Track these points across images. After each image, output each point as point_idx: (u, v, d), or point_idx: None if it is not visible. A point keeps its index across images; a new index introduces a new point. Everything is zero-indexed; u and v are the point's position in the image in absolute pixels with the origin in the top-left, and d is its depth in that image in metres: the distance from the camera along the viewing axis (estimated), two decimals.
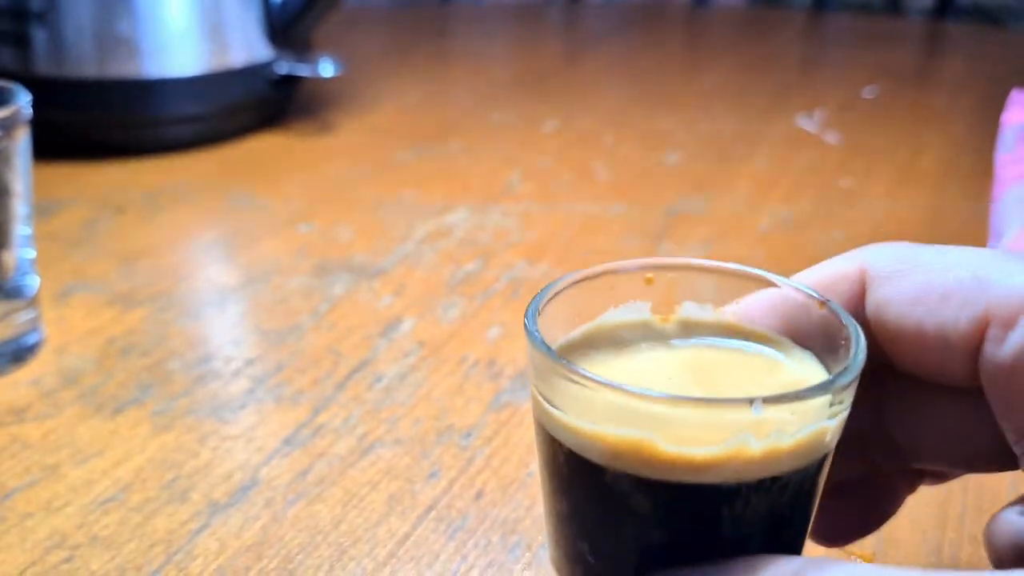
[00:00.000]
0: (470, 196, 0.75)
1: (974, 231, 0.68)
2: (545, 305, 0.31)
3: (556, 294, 0.32)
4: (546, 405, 0.29)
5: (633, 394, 0.26)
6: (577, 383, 0.28)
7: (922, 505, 0.42)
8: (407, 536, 0.40)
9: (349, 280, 0.61)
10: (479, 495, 0.43)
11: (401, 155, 0.84)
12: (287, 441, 0.46)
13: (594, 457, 0.28)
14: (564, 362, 0.28)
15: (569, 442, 0.29)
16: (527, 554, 0.39)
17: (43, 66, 0.80)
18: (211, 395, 0.50)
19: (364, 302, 0.59)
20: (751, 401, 0.26)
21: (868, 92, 1.04)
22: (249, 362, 0.53)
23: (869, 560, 0.39)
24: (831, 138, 0.89)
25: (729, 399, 0.27)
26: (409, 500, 0.42)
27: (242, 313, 0.58)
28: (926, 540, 0.40)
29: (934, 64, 1.26)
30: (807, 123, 0.93)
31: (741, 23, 1.47)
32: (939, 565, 0.39)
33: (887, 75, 1.11)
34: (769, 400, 0.26)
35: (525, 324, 0.30)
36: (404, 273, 0.63)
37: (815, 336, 0.32)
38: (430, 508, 0.42)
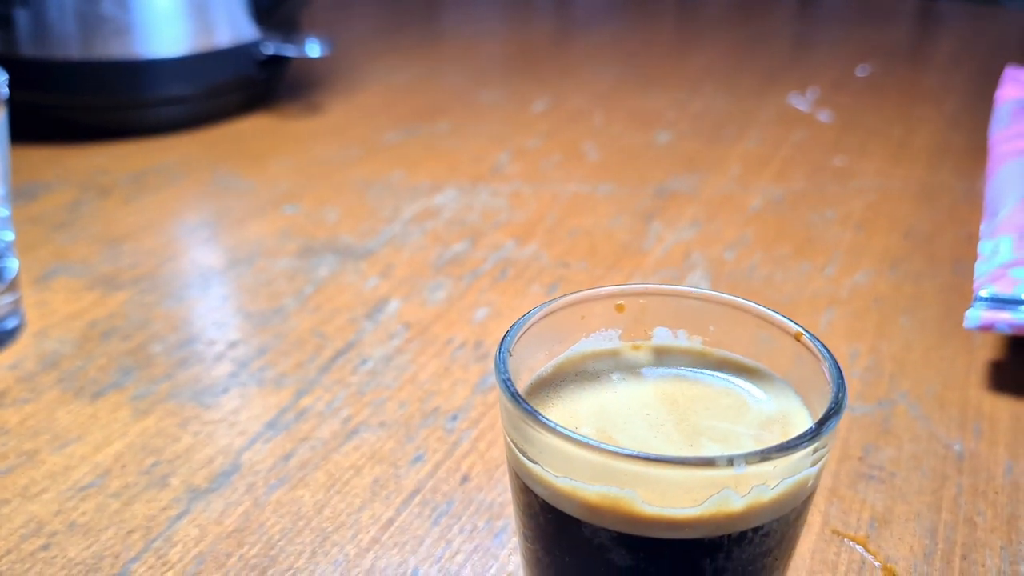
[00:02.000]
0: (458, 176, 0.74)
1: (967, 209, 0.68)
2: (515, 344, 0.30)
3: (525, 331, 0.31)
4: (520, 456, 0.28)
5: (612, 453, 0.25)
6: (551, 438, 0.26)
7: (916, 486, 0.41)
8: (391, 521, 0.40)
9: (335, 261, 0.61)
10: (465, 479, 0.42)
11: (389, 136, 0.83)
12: (270, 425, 0.45)
13: (571, 511, 0.27)
14: (540, 416, 0.26)
15: (544, 494, 0.27)
16: (513, 539, 0.39)
17: (26, 47, 0.79)
18: (193, 379, 0.49)
19: (350, 284, 0.58)
20: (732, 460, 0.25)
21: (861, 70, 1.03)
22: (232, 345, 0.52)
23: (863, 543, 0.38)
24: (823, 117, 0.88)
25: (709, 458, 0.25)
26: (393, 485, 0.42)
27: (226, 296, 0.58)
28: (920, 522, 0.40)
29: (927, 42, 1.25)
30: (799, 102, 0.92)
31: (733, 2, 1.45)
32: (934, 547, 0.38)
33: (880, 53, 1.10)
34: (751, 458, 0.25)
35: (496, 370, 0.28)
36: (391, 254, 0.62)
37: (791, 365, 0.31)
38: (415, 493, 0.41)
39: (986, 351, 0.51)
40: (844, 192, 0.72)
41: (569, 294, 0.32)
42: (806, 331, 0.30)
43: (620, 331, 0.33)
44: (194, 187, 0.73)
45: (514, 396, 0.27)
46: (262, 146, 0.81)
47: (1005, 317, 0.47)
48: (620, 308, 0.33)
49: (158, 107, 0.82)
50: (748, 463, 0.25)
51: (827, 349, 0.29)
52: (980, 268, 0.51)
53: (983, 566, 0.37)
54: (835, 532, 0.39)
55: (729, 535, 0.26)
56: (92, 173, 0.74)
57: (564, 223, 0.66)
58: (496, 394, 0.47)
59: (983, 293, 0.48)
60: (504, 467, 0.43)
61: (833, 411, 0.27)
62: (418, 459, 0.43)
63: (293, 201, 0.70)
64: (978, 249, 0.54)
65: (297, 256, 0.61)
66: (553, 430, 0.26)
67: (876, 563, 0.37)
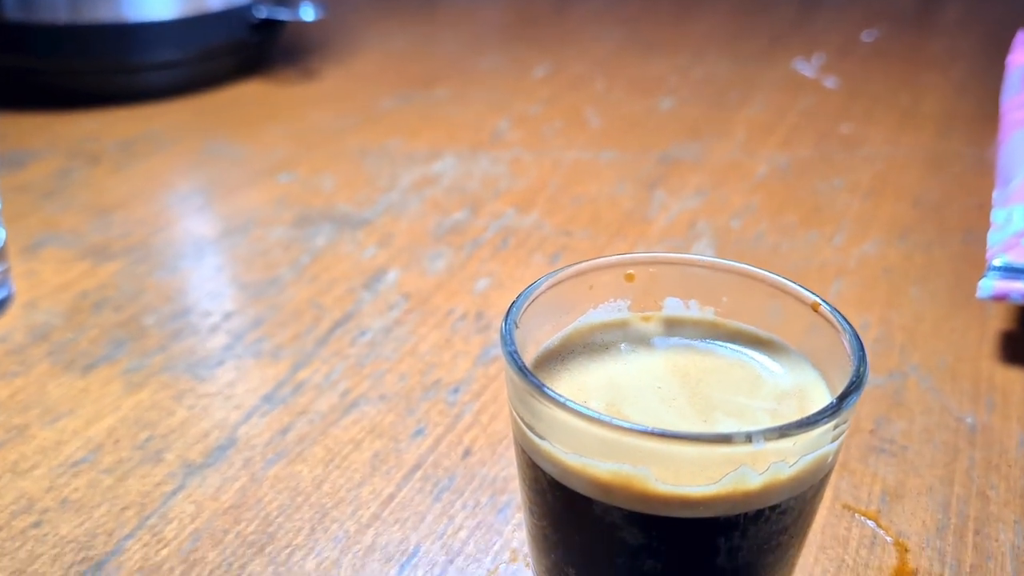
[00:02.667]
0: (457, 144, 0.72)
1: (977, 176, 0.66)
2: (522, 316, 0.28)
3: (532, 301, 0.29)
4: (527, 431, 0.27)
5: (625, 429, 0.24)
6: (561, 413, 0.25)
7: (928, 460, 0.40)
8: (392, 497, 0.39)
9: (332, 231, 0.59)
10: (467, 453, 0.41)
11: (386, 102, 0.81)
12: (266, 399, 0.44)
13: (581, 489, 0.26)
14: (549, 390, 0.25)
15: (552, 472, 0.26)
16: (517, 515, 0.38)
17: (13, 10, 0.77)
18: (187, 351, 0.48)
19: (347, 254, 0.57)
20: (750, 436, 0.23)
21: (867, 36, 1.01)
22: (227, 316, 0.50)
23: (874, 518, 0.38)
24: (829, 83, 0.86)
25: (727, 434, 0.24)
26: (394, 459, 0.41)
27: (220, 266, 0.56)
28: (932, 496, 0.39)
29: (934, 6, 1.23)
30: (805, 68, 0.90)
31: None
32: (947, 522, 0.37)
33: (886, 18, 1.08)
34: (770, 434, 0.24)
35: (502, 342, 0.27)
36: (389, 223, 0.60)
37: (807, 337, 0.30)
38: (416, 467, 0.40)
39: (998, 322, 0.50)
40: (851, 160, 0.70)
41: (576, 263, 0.31)
42: (824, 301, 0.29)
43: (629, 301, 0.32)
44: (186, 155, 0.71)
45: (521, 369, 0.26)
46: (256, 113, 0.79)
47: (1019, 287, 0.46)
48: (630, 277, 0.31)
49: (148, 72, 0.81)
50: (767, 439, 0.23)
51: (846, 320, 0.28)
52: (993, 237, 0.50)
53: (996, 540, 0.36)
54: (846, 507, 0.38)
55: (745, 513, 0.25)
56: (81, 140, 0.72)
57: (566, 191, 0.65)
58: (499, 366, 0.46)
59: (996, 262, 0.47)
60: (508, 441, 0.42)
61: (855, 385, 0.26)
62: (419, 433, 0.42)
63: (288, 169, 0.68)
64: (991, 218, 0.52)
65: (293, 225, 0.60)
66: (563, 405, 0.25)
67: (888, 538, 0.37)
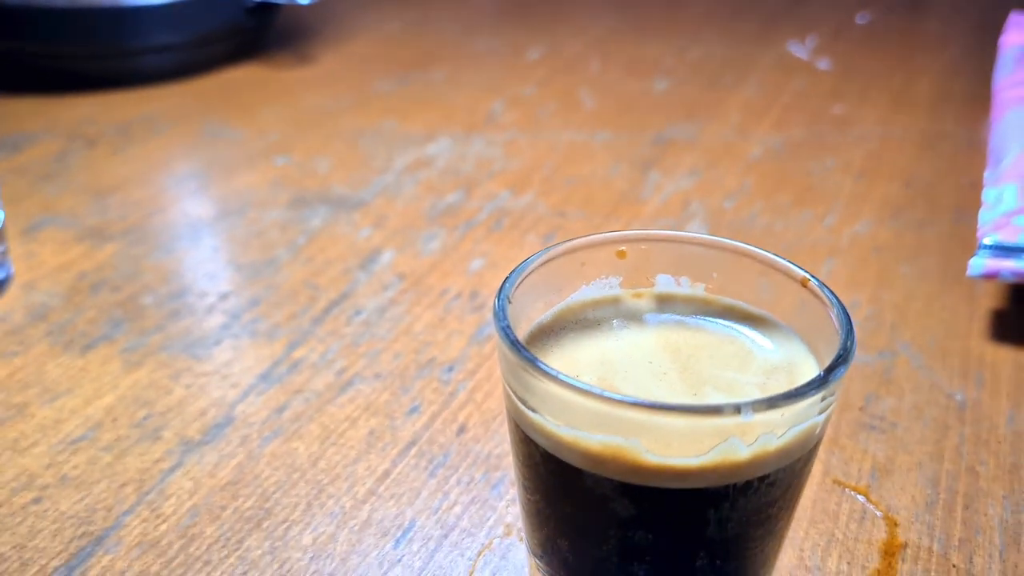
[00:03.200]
0: (452, 126, 0.73)
1: (969, 157, 0.67)
2: (515, 292, 0.29)
3: (524, 278, 0.30)
4: (520, 405, 0.27)
5: (616, 401, 0.24)
6: (553, 386, 0.25)
7: (918, 436, 0.41)
8: (387, 473, 0.39)
9: (327, 212, 0.60)
10: (461, 430, 0.41)
11: (381, 85, 0.82)
12: (263, 377, 0.45)
13: (573, 461, 0.26)
14: (541, 364, 0.25)
15: (545, 444, 0.27)
16: (511, 490, 0.38)
17: None
18: (184, 331, 0.48)
19: (342, 235, 0.57)
20: (739, 407, 0.24)
21: (861, 18, 1.01)
22: (224, 297, 0.51)
23: (864, 493, 0.38)
24: (823, 65, 0.87)
25: (717, 406, 0.24)
26: (389, 436, 0.41)
27: (217, 247, 0.57)
28: (922, 471, 0.39)
29: None
30: (798, 50, 0.91)
31: None
32: (936, 497, 0.38)
33: (880, 1, 1.08)
34: (759, 405, 0.24)
35: (495, 317, 0.27)
36: (384, 205, 0.61)
37: (797, 313, 0.30)
38: (411, 444, 0.41)
39: (988, 300, 0.50)
40: (844, 141, 0.70)
41: (568, 240, 0.31)
42: (813, 277, 0.29)
43: (621, 278, 0.32)
44: (182, 138, 0.72)
45: (514, 344, 0.26)
46: (252, 96, 0.79)
47: (1009, 265, 0.47)
48: (621, 254, 0.32)
49: (145, 56, 0.81)
50: (755, 411, 0.24)
51: (835, 295, 0.28)
52: (984, 216, 0.50)
53: (985, 515, 0.37)
54: (836, 482, 0.39)
55: (735, 484, 0.25)
56: (78, 123, 0.73)
57: (560, 172, 0.65)
58: (493, 345, 0.47)
59: (987, 241, 0.48)
60: (501, 418, 0.42)
61: (842, 358, 0.26)
62: (414, 410, 0.43)
63: (284, 151, 0.68)
64: (982, 197, 0.53)
65: (289, 207, 0.60)
66: (554, 378, 0.25)
67: (878, 513, 0.37)
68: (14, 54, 0.80)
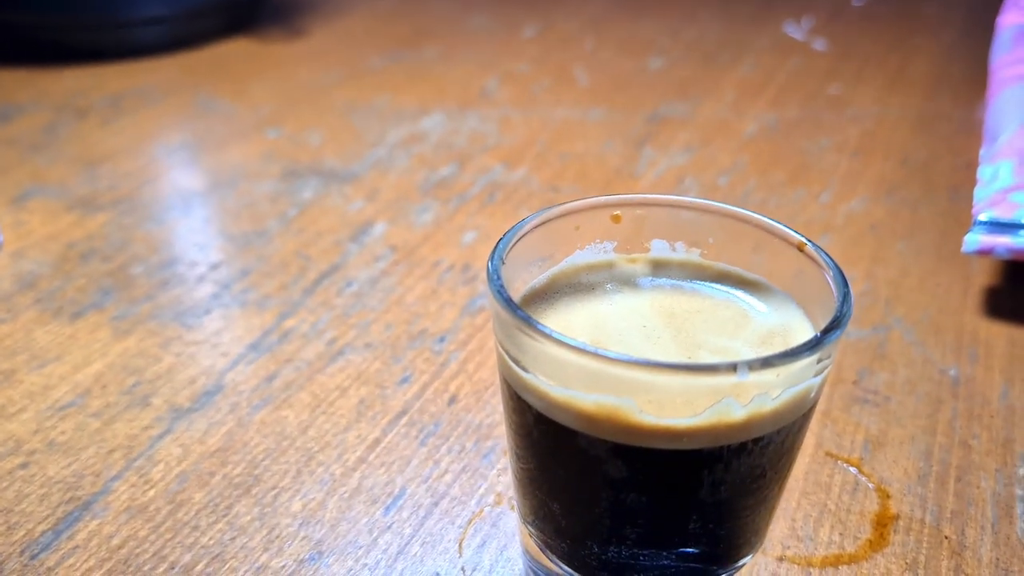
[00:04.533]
0: (446, 101, 0.72)
1: (965, 137, 0.66)
2: (508, 252, 0.28)
3: (519, 239, 0.29)
4: (513, 366, 0.27)
5: (610, 360, 0.24)
6: (547, 345, 0.25)
7: (911, 410, 0.41)
8: (377, 441, 0.39)
9: (319, 184, 0.59)
10: (452, 400, 0.41)
11: (375, 60, 0.81)
12: (253, 347, 0.44)
13: (566, 422, 0.26)
14: (534, 322, 0.25)
15: (538, 406, 0.26)
16: (502, 459, 0.38)
17: None
18: (174, 300, 0.48)
19: (334, 207, 0.57)
20: (735, 366, 0.23)
21: (857, 0, 1.00)
22: (214, 267, 0.50)
23: (856, 466, 0.38)
24: (819, 45, 0.86)
25: (712, 364, 0.24)
26: (380, 405, 0.41)
27: (207, 218, 0.56)
28: (915, 444, 0.39)
29: None
30: (794, 30, 0.90)
31: None
32: (928, 470, 0.38)
33: None
34: (755, 364, 0.24)
35: (488, 279, 0.27)
36: (376, 178, 0.60)
37: (793, 278, 0.30)
38: (402, 413, 0.40)
39: (982, 277, 0.50)
40: (840, 120, 0.70)
41: (563, 203, 0.31)
42: (809, 241, 0.29)
43: (616, 243, 0.32)
44: (174, 110, 0.71)
45: (508, 303, 0.26)
46: (244, 70, 0.79)
47: (1004, 241, 0.46)
48: (616, 219, 0.31)
49: (137, 28, 0.80)
50: (751, 370, 0.24)
51: (831, 258, 0.28)
52: (979, 193, 0.50)
53: (978, 487, 0.37)
54: (829, 454, 0.38)
55: (728, 446, 0.25)
56: (68, 95, 0.72)
57: (554, 148, 0.65)
58: (485, 316, 0.46)
59: (982, 217, 0.48)
60: (493, 389, 0.42)
61: (838, 320, 0.26)
62: (405, 380, 0.42)
63: (276, 125, 0.68)
64: (977, 174, 0.53)
65: (280, 179, 0.60)
66: (549, 336, 0.25)
67: (870, 485, 0.37)
68: (4, 25, 0.79)
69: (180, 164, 0.63)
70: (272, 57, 0.82)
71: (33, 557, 0.33)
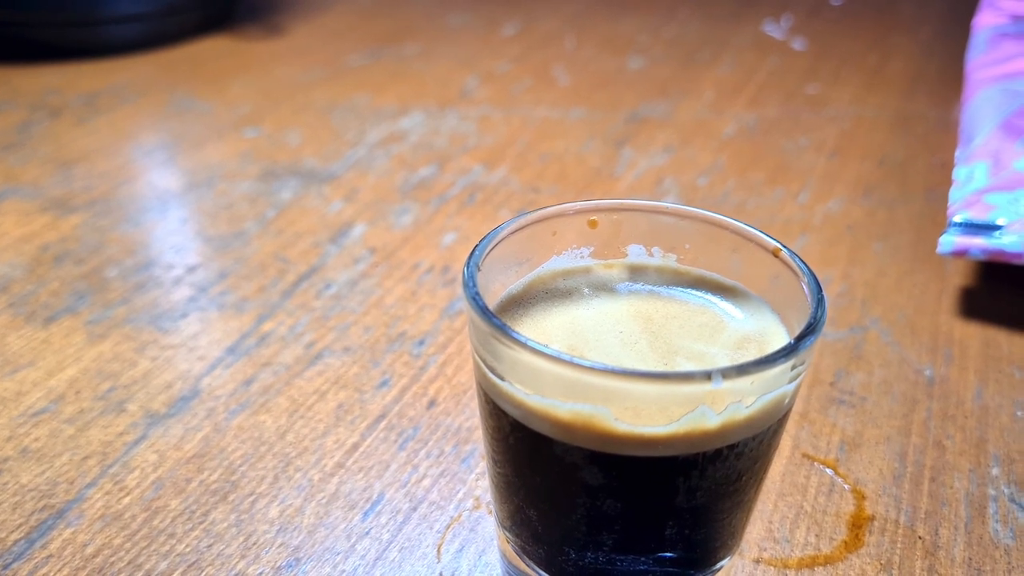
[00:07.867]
0: (425, 100, 0.72)
1: (942, 137, 0.67)
2: (484, 259, 0.28)
3: (495, 245, 0.29)
4: (489, 373, 0.27)
5: (585, 368, 0.24)
6: (522, 353, 0.25)
7: (887, 411, 0.41)
8: (356, 446, 0.39)
9: (297, 185, 0.59)
10: (431, 404, 0.41)
11: (353, 58, 0.81)
12: (230, 350, 0.44)
13: (542, 430, 0.26)
14: (509, 330, 0.25)
15: (514, 413, 0.26)
16: (481, 464, 0.38)
17: None
18: (150, 303, 0.47)
19: (313, 208, 0.56)
20: (709, 374, 0.23)
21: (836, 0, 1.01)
22: (191, 269, 0.50)
23: (832, 467, 0.38)
24: (797, 45, 0.86)
25: (687, 373, 0.24)
26: (358, 409, 0.41)
27: (184, 219, 0.56)
28: (890, 445, 0.39)
29: None
30: (773, 29, 0.90)
31: None
32: (903, 470, 0.38)
33: None
34: (729, 372, 0.24)
35: (464, 286, 0.27)
36: (355, 178, 0.60)
37: (768, 284, 0.30)
38: (380, 417, 0.40)
39: (958, 278, 0.51)
40: (818, 119, 0.70)
41: (540, 209, 0.31)
42: (784, 247, 0.29)
43: (593, 248, 0.32)
44: (150, 109, 0.70)
45: (483, 311, 0.26)
46: (221, 67, 0.78)
47: (978, 243, 0.47)
48: (593, 224, 0.31)
49: (112, 25, 0.79)
50: (725, 378, 0.24)
51: (806, 265, 0.28)
52: (955, 194, 0.50)
53: (951, 488, 0.37)
54: (805, 456, 0.39)
55: (704, 453, 0.25)
56: (42, 94, 0.71)
57: (534, 148, 0.65)
58: (464, 319, 0.46)
59: (957, 219, 0.48)
60: (471, 392, 0.42)
61: (812, 327, 0.26)
62: (384, 384, 0.42)
63: (254, 124, 0.67)
64: (953, 175, 0.53)
65: (258, 179, 0.59)
66: (524, 345, 0.25)
67: (846, 486, 0.37)
68: None
69: (156, 164, 0.63)
70: (250, 55, 0.81)
71: (6, 567, 0.33)
